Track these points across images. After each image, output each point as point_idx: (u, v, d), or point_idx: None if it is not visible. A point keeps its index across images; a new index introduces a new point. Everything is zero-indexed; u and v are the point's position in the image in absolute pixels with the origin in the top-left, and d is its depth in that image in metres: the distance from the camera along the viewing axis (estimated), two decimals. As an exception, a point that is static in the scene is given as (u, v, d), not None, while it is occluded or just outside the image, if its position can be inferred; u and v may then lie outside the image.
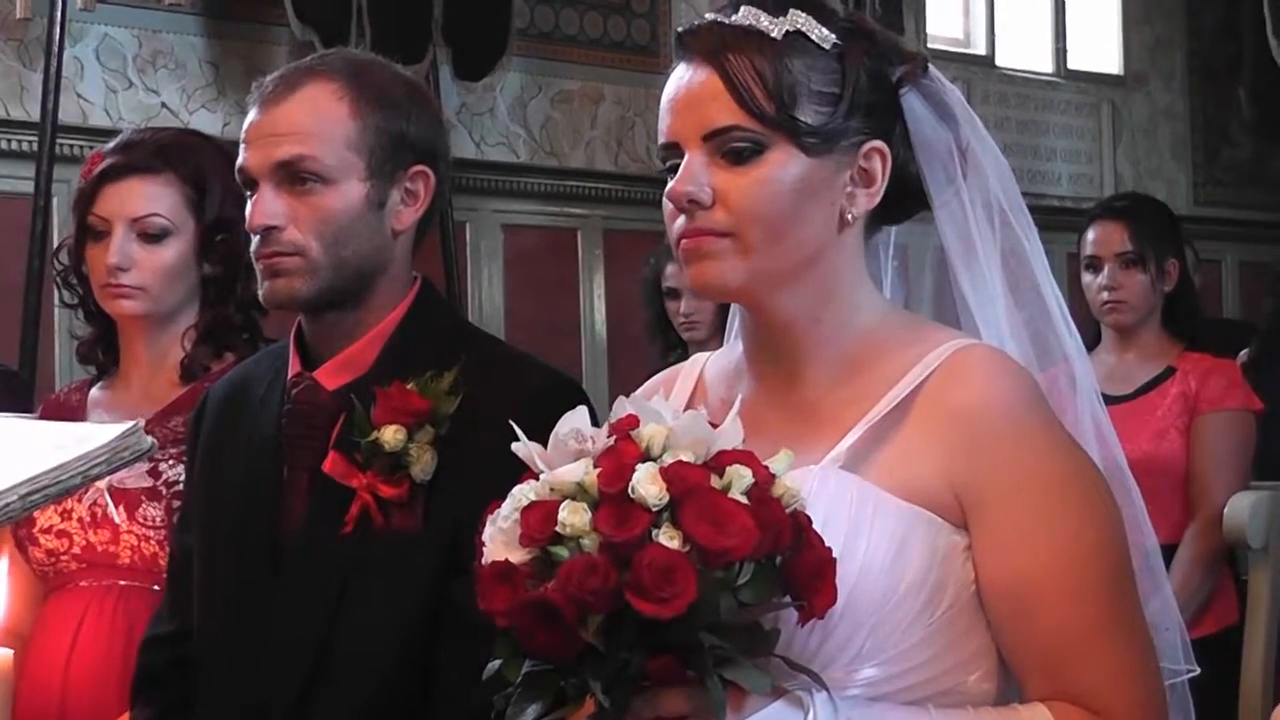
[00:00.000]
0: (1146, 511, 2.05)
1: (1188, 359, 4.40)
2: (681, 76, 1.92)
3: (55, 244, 4.16)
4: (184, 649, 2.43)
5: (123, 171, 2.88)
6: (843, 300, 1.94)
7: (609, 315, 7.48)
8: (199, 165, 2.89)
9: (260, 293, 2.33)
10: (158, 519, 2.77)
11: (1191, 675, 2.02)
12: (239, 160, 2.33)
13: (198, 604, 2.40)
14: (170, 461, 2.79)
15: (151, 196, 2.87)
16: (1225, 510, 2.81)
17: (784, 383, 1.95)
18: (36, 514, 2.82)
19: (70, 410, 2.99)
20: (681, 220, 1.90)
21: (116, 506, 2.78)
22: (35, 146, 5.20)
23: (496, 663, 1.72)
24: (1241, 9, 9.19)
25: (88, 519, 2.79)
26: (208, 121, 6.42)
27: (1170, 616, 2.03)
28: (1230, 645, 2.79)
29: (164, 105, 6.43)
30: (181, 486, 2.67)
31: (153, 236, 2.86)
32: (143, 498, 2.79)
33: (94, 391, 3.00)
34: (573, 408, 1.78)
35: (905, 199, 1.98)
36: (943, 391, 1.87)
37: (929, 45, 8.56)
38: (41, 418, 3.03)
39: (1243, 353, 5.04)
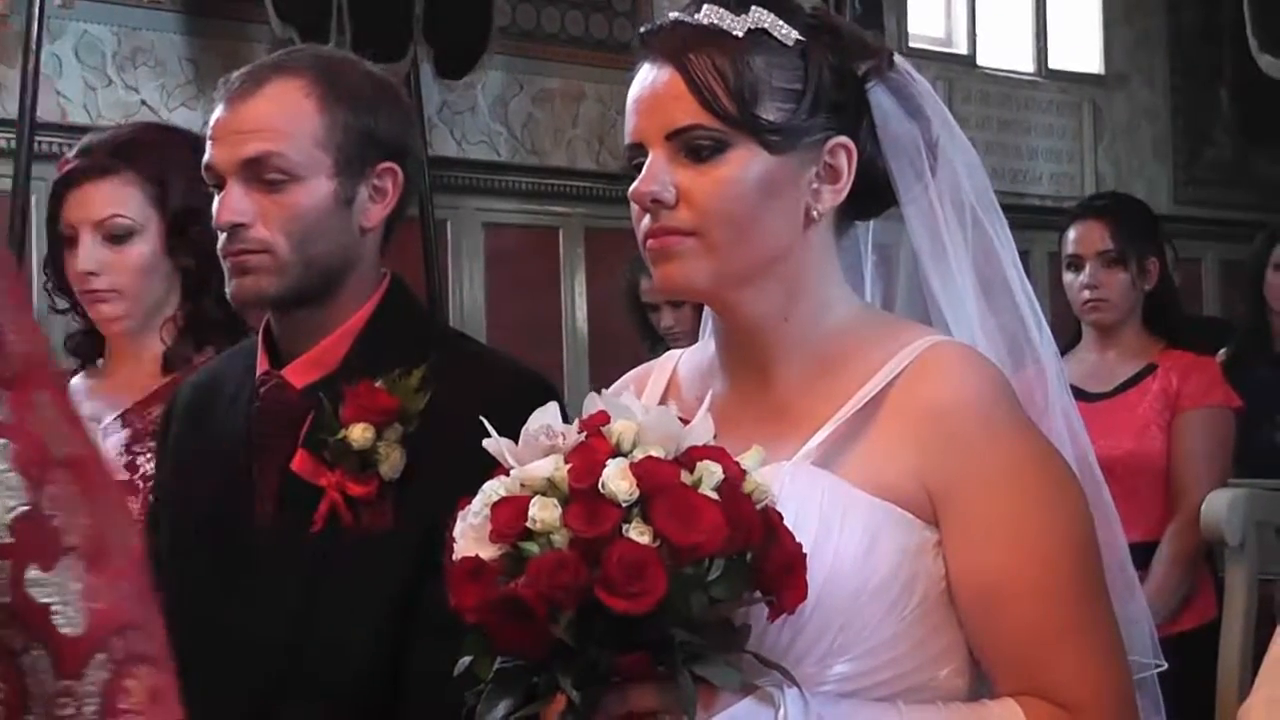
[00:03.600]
0: (1126, 509, 2.05)
1: (1168, 356, 4.41)
2: (645, 77, 1.92)
3: (33, 239, 4.15)
4: None
5: (81, 176, 2.88)
6: (812, 298, 1.94)
7: (590, 314, 7.47)
8: (158, 159, 2.87)
9: (227, 290, 2.32)
10: (134, 513, 2.76)
11: (1160, 670, 2.03)
12: (206, 157, 2.31)
13: (166, 604, 2.39)
14: (147, 455, 2.79)
15: (111, 197, 2.86)
16: (1203, 508, 2.81)
17: (755, 381, 1.95)
18: None
19: None
20: (647, 220, 1.89)
21: None
22: (13, 144, 5.18)
23: (467, 660, 1.71)
24: (1222, 9, 9.19)
25: None
26: (188, 119, 6.39)
27: (1140, 611, 2.03)
28: (1210, 641, 2.79)
29: (143, 103, 6.41)
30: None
31: (118, 237, 2.86)
32: None
33: (75, 380, 3.00)
34: (542, 405, 1.77)
35: (874, 195, 1.97)
36: (913, 388, 1.87)
37: (910, 44, 8.56)
38: None
39: (1221, 352, 5.05)
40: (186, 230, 2.86)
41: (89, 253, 2.85)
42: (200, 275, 2.87)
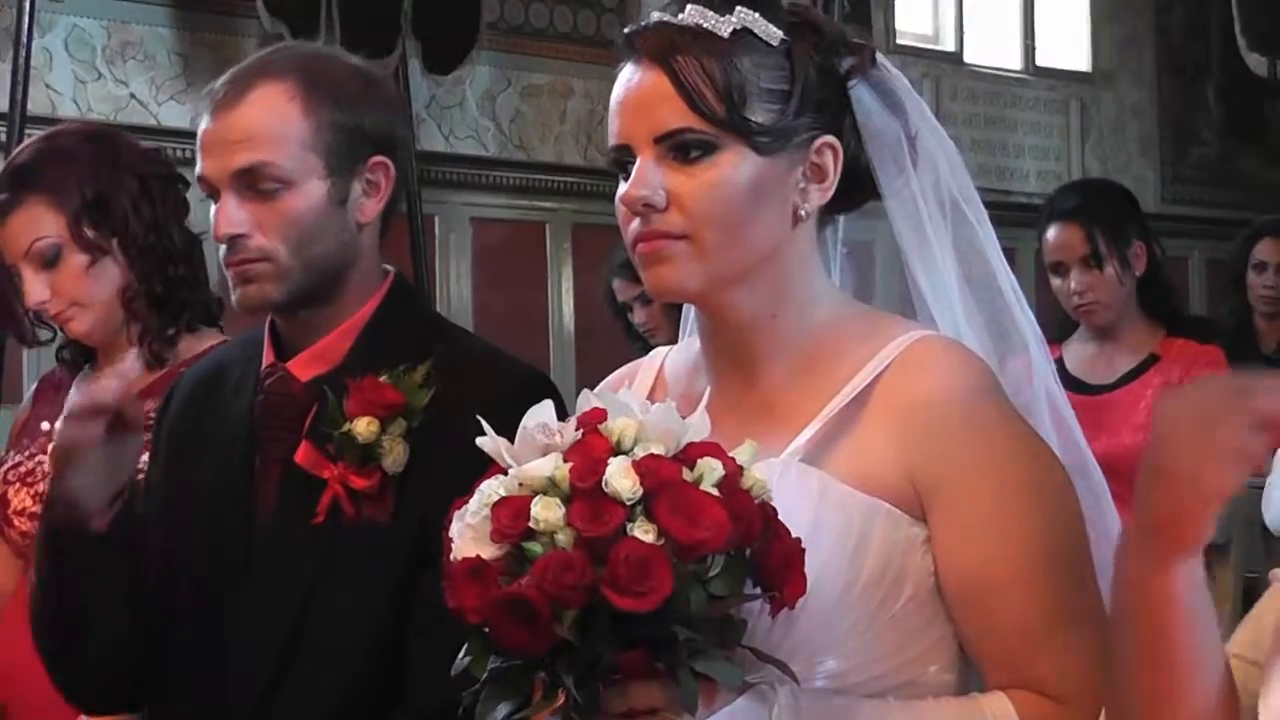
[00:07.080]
0: (1129, 504, 2.05)
1: (1171, 346, 4.36)
2: (630, 78, 1.91)
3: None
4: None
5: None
6: (798, 295, 1.94)
7: (577, 309, 7.48)
8: (45, 170, 2.87)
9: (233, 299, 2.33)
10: None
11: None
12: (198, 169, 2.31)
13: (164, 596, 2.40)
14: None
15: (24, 226, 2.86)
16: (1188, 506, 2.81)
17: (742, 379, 1.95)
18: (11, 496, 2.85)
19: (61, 388, 3.03)
20: (636, 224, 1.89)
21: None
22: (4, 137, 5.18)
23: (466, 660, 1.71)
24: (1210, 7, 9.23)
25: None
26: (176, 113, 6.41)
27: None
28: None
29: (133, 96, 6.41)
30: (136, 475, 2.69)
31: (49, 260, 2.86)
32: None
33: (74, 385, 3.01)
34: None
35: (856, 190, 1.98)
36: (900, 383, 1.87)
37: (897, 41, 8.59)
38: (36, 392, 3.08)
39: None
40: (99, 222, 2.85)
41: (32, 284, 2.86)
42: (131, 251, 2.87)
